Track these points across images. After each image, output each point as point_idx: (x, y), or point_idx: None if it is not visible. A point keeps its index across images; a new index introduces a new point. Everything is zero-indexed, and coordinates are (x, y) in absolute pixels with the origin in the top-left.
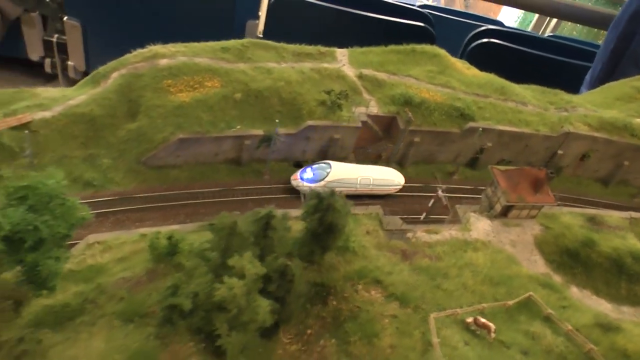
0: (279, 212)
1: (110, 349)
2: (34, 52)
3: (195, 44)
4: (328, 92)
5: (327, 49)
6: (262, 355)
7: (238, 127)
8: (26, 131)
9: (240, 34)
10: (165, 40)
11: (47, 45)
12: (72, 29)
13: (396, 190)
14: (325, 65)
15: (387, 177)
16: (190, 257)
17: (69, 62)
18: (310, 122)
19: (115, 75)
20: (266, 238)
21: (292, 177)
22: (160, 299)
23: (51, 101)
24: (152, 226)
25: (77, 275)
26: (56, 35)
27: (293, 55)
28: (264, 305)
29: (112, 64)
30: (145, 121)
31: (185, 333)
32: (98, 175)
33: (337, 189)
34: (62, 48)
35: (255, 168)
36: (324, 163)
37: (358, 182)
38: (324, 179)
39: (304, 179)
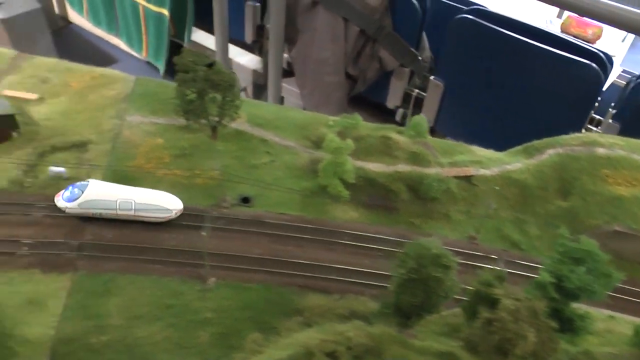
0: None
1: None
2: (392, 101)
3: (633, 140)
4: None
5: None
6: None
7: None
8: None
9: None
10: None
11: (406, 97)
12: (435, 88)
13: (168, 218)
14: None
15: (156, 202)
16: None
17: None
18: None
19: (550, 151)
20: None
21: (55, 196)
22: None
23: (488, 160)
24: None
25: None
26: (416, 90)
27: None
28: None
29: (547, 140)
30: (579, 203)
31: None
32: (525, 239)
33: (92, 211)
34: (418, 102)
35: None
36: (86, 181)
37: (117, 206)
38: (77, 198)
39: (64, 197)
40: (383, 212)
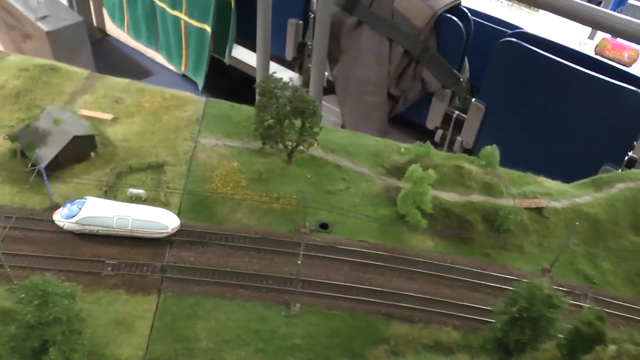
0: None
1: None
2: (432, 122)
3: None
4: None
5: None
6: None
7: None
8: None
9: None
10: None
11: (446, 118)
12: (476, 110)
13: (165, 235)
14: None
15: (152, 219)
16: None
17: (458, 138)
18: None
19: (620, 186)
20: None
21: (54, 213)
22: None
23: (557, 192)
24: None
25: None
26: (457, 112)
27: None
28: None
29: (616, 174)
30: None
31: None
32: (598, 274)
33: (90, 228)
34: (458, 124)
35: None
36: (83, 198)
37: (114, 223)
38: (75, 215)
39: (62, 214)
40: (459, 242)
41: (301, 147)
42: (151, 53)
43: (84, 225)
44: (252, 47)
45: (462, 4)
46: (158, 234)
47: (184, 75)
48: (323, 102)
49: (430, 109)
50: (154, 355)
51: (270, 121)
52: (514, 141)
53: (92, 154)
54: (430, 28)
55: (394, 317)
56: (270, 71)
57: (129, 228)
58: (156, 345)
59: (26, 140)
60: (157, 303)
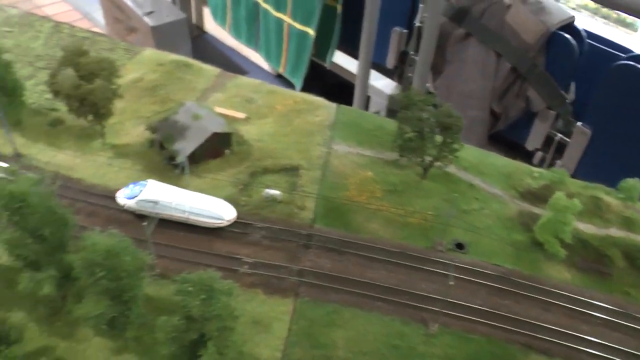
0: None
1: None
2: (532, 144)
3: None
4: None
5: None
6: None
7: None
8: None
9: None
10: None
11: (548, 141)
12: (581, 134)
13: (220, 225)
14: None
15: (209, 208)
16: None
17: (558, 162)
18: None
19: None
20: None
21: (117, 192)
22: None
23: None
24: None
25: None
26: (559, 135)
27: None
28: None
29: None
30: None
31: None
32: None
33: (148, 210)
34: (560, 148)
35: None
36: (145, 181)
37: (172, 206)
38: (136, 196)
39: (125, 195)
40: (596, 277)
41: (439, 163)
42: (246, 52)
43: (144, 207)
44: (350, 53)
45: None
46: (213, 224)
47: (278, 75)
48: None
49: (531, 129)
50: (292, 359)
51: (411, 134)
52: (622, 170)
53: (227, 151)
54: (541, 45)
55: (532, 349)
56: (370, 79)
57: (186, 215)
58: (294, 349)
59: (165, 133)
60: (294, 306)
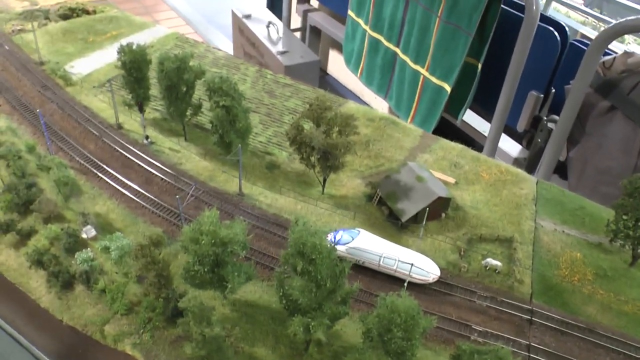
0: None
1: None
2: None
3: None
4: None
5: None
6: None
7: None
8: None
9: None
10: None
11: None
12: None
13: (426, 282)
14: None
15: (417, 265)
16: None
17: None
18: None
19: None
20: None
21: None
22: None
23: None
24: None
25: None
26: None
27: None
28: None
29: None
30: None
31: None
32: None
33: (357, 259)
34: None
35: None
36: (356, 230)
37: (381, 260)
38: (347, 243)
39: (336, 239)
40: None
41: None
42: (363, 96)
43: (354, 254)
44: (478, 111)
45: None
46: (420, 280)
47: None
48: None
49: None
50: None
51: (631, 222)
52: None
53: (443, 214)
54: None
55: None
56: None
57: (394, 268)
58: None
59: (387, 190)
60: None
